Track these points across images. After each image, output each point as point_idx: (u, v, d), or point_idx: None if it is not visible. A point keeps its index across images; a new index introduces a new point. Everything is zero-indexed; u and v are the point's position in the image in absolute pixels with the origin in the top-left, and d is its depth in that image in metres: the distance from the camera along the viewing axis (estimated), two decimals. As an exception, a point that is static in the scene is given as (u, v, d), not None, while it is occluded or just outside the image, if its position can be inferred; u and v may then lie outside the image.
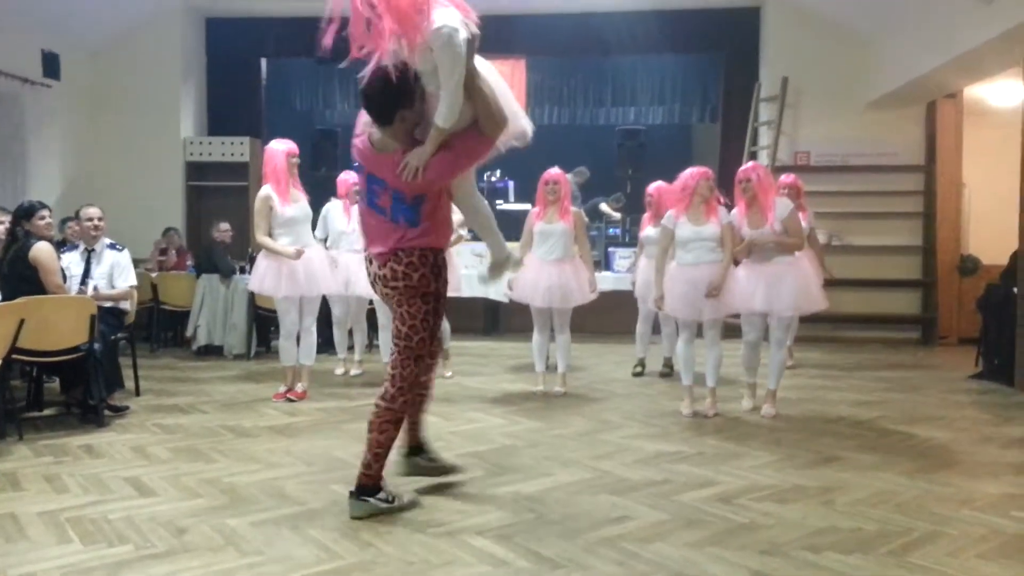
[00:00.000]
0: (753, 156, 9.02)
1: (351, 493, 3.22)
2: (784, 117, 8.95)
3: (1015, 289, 6.14)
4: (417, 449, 3.59)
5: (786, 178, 6.04)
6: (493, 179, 10.07)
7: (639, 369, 6.43)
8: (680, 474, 3.78)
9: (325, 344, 6.57)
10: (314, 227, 5.59)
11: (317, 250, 5.38)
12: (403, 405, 3.20)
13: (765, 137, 9.14)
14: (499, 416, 4.94)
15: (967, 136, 8.78)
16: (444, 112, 2.94)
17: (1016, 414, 5.18)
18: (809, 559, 2.81)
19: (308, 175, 7.99)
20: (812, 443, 4.36)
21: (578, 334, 6.08)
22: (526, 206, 8.30)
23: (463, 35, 2.89)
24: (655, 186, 6.09)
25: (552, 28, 9.34)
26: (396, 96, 3.00)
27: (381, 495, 3.22)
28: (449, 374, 6.16)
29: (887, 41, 8.28)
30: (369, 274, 3.27)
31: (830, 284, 5.79)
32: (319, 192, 7.47)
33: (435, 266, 3.18)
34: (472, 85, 2.99)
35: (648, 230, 6.11)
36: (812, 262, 5.13)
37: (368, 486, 3.20)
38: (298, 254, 5.09)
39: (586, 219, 8.83)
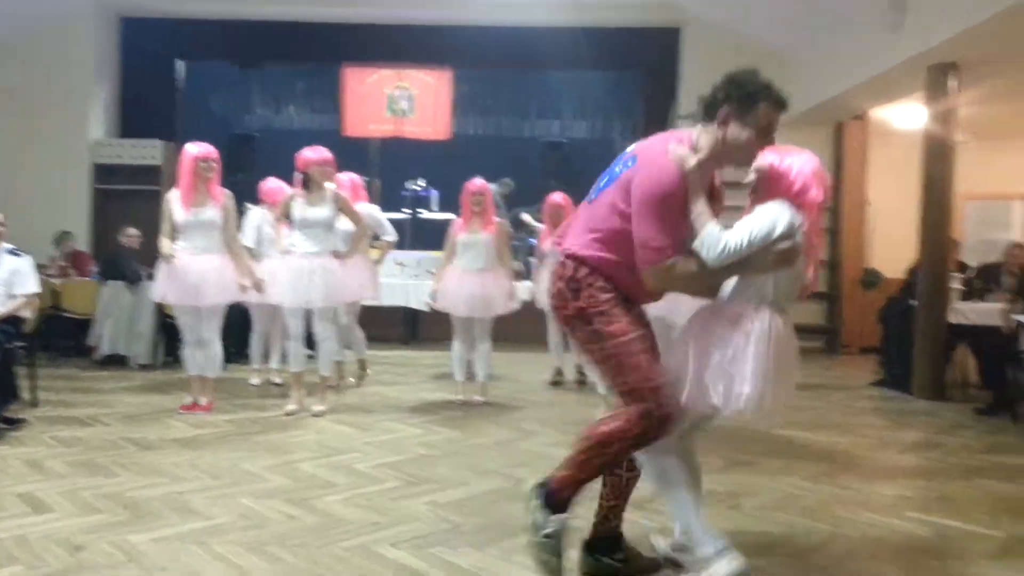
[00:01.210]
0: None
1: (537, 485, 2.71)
2: (701, 134, 9.23)
3: (913, 302, 6.47)
4: (605, 544, 2.79)
5: None
6: (416, 188, 10.03)
7: (557, 378, 6.49)
8: (597, 481, 3.81)
9: (238, 354, 6.41)
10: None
11: (212, 260, 4.98)
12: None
13: (683, 153, 9.39)
14: (417, 426, 4.91)
15: (872, 156, 9.22)
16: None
17: (912, 420, 5.45)
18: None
19: (224, 180, 7.79)
20: (723, 449, 4.47)
21: (499, 343, 6.11)
22: (450, 215, 8.32)
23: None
24: (554, 198, 6.25)
25: (480, 40, 9.41)
26: None
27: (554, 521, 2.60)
28: (351, 380, 6.14)
29: (802, 63, 8.64)
30: None
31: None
32: (235, 197, 7.28)
33: None
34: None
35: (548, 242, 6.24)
36: None
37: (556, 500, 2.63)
38: (168, 258, 4.90)
39: (509, 230, 8.93)
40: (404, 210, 9.91)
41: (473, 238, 5.50)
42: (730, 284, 2.48)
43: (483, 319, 5.53)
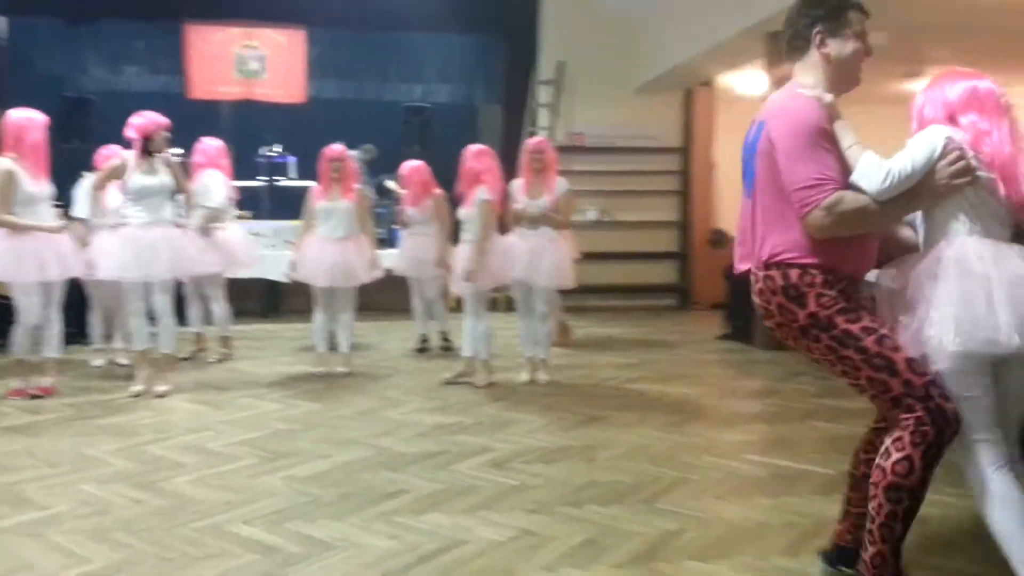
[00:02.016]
0: (532, 136, 9.35)
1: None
2: (561, 100, 9.37)
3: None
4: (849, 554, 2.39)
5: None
6: (272, 155, 9.64)
7: (422, 345, 6.49)
8: (457, 444, 3.87)
9: (79, 333, 6.00)
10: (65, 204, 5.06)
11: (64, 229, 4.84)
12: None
13: (544, 118, 9.50)
14: (275, 401, 4.78)
15: (719, 121, 9.65)
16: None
17: (755, 368, 5.84)
18: (572, 513, 2.99)
19: (56, 147, 7.20)
20: (579, 406, 4.64)
21: (365, 312, 6.03)
22: (308, 183, 8.05)
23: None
24: (410, 166, 6.21)
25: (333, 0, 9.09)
26: None
27: None
28: (210, 359, 5.94)
29: (653, 30, 8.89)
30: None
31: (596, 257, 6.17)
32: (69, 167, 6.75)
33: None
34: None
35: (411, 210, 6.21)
36: (570, 241, 5.43)
37: None
38: (60, 228, 4.70)
39: (373, 197, 8.76)
40: (259, 178, 9.50)
41: (333, 206, 5.37)
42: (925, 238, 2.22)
43: (345, 288, 5.43)
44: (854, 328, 2.11)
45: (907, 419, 2.08)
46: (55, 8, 9.11)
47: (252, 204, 9.03)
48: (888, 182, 2.06)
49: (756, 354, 6.43)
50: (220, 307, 6.00)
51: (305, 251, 5.40)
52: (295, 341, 6.77)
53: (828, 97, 2.14)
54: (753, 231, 2.23)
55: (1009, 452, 2.11)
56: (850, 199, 2.07)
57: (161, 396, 4.79)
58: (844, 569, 2.39)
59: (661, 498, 3.16)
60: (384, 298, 7.55)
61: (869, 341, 2.09)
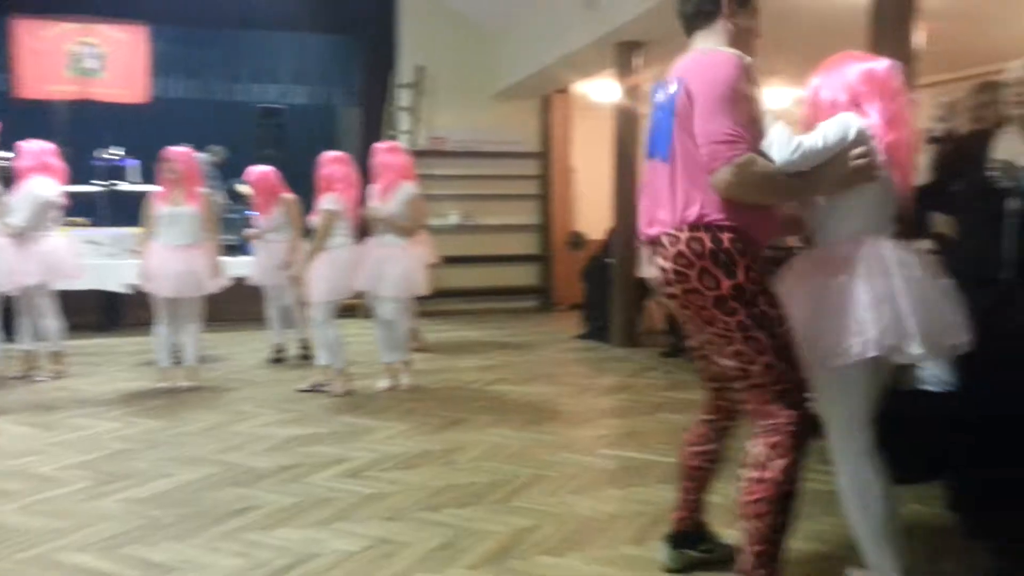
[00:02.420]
0: (393, 140, 9.27)
1: None
2: (421, 103, 9.33)
3: (610, 260, 7.11)
4: (690, 536, 2.52)
5: None
6: (111, 158, 9.04)
7: (276, 355, 6.28)
8: (312, 456, 3.76)
9: None
10: None
11: None
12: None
13: (404, 122, 9.44)
14: (113, 419, 4.47)
15: (575, 127, 9.92)
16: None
17: (610, 367, 6.03)
18: (429, 517, 2.97)
19: None
20: (439, 410, 4.63)
21: (215, 323, 5.76)
22: (152, 187, 7.60)
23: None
24: (257, 172, 6.04)
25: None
26: None
27: None
28: (40, 378, 5.50)
29: (509, 37, 9.02)
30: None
31: (458, 261, 6.17)
32: None
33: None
34: None
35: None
36: (425, 246, 5.41)
37: None
38: None
39: (223, 202, 8.40)
40: (96, 182, 8.89)
41: (176, 211, 5.09)
42: (824, 228, 2.21)
43: (191, 299, 5.15)
44: (772, 312, 2.04)
45: (782, 419, 2.03)
46: None
47: (89, 210, 8.44)
48: (797, 154, 2.05)
49: (611, 352, 6.64)
50: (49, 321, 5.54)
51: (148, 260, 5.10)
52: (136, 356, 6.37)
53: (748, 58, 2.08)
54: (673, 193, 2.10)
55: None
56: (761, 163, 2.03)
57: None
58: (687, 552, 2.50)
59: (517, 496, 3.19)
60: (237, 307, 7.26)
61: (782, 329, 2.05)
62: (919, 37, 4.04)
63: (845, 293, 2.07)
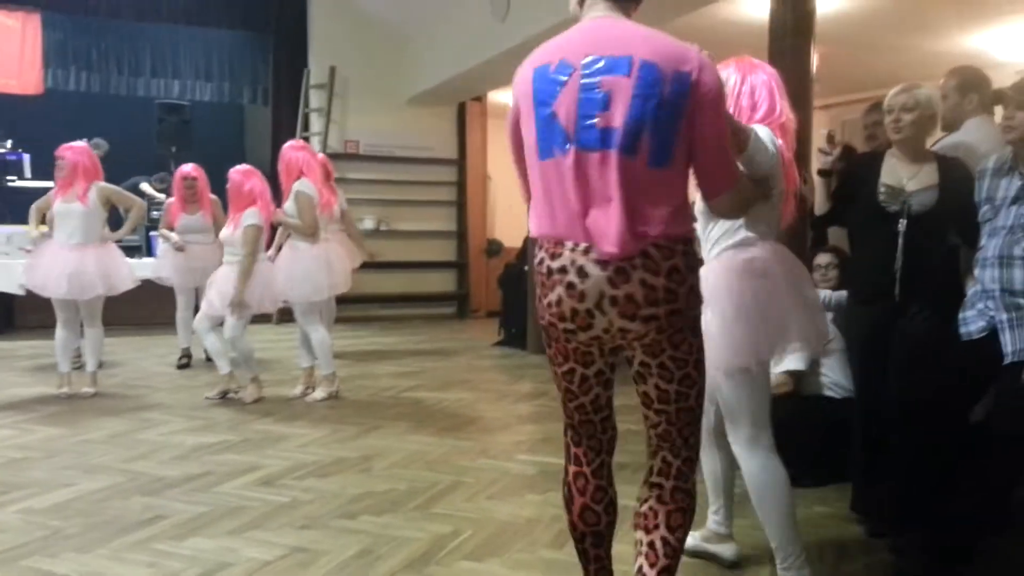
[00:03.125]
0: (306, 141, 9.11)
1: None
2: (333, 105, 9.21)
3: (526, 267, 7.20)
4: None
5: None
6: (3, 151, 8.54)
7: (184, 360, 6.07)
8: (223, 464, 3.66)
9: None
10: None
11: None
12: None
13: (316, 124, 9.29)
14: (8, 427, 4.24)
15: (492, 134, 10.00)
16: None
17: (527, 372, 6.10)
18: (346, 525, 2.94)
19: None
20: (356, 417, 4.58)
21: (117, 327, 5.52)
22: (46, 183, 7.24)
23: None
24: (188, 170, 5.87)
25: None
26: None
27: None
28: None
29: (423, 44, 9.01)
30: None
31: (374, 266, 6.11)
32: None
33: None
34: None
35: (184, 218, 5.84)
36: (343, 245, 5.31)
37: None
38: None
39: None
40: (-15, 177, 8.40)
41: (68, 208, 4.86)
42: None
43: (90, 301, 4.92)
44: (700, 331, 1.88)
45: (691, 482, 1.92)
46: None
47: (-23, 206, 7.97)
48: (772, 159, 2.11)
49: (528, 358, 6.71)
50: None
51: (39, 259, 4.85)
52: (33, 360, 6.04)
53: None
54: (662, 193, 1.73)
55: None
56: (745, 181, 1.93)
57: None
58: None
59: (436, 503, 3.20)
60: (139, 311, 6.99)
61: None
62: (816, 59, 4.29)
63: (763, 298, 2.21)
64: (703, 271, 2.18)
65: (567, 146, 1.72)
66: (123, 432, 4.18)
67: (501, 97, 9.70)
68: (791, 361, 3.40)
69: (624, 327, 1.74)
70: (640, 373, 1.85)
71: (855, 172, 2.95)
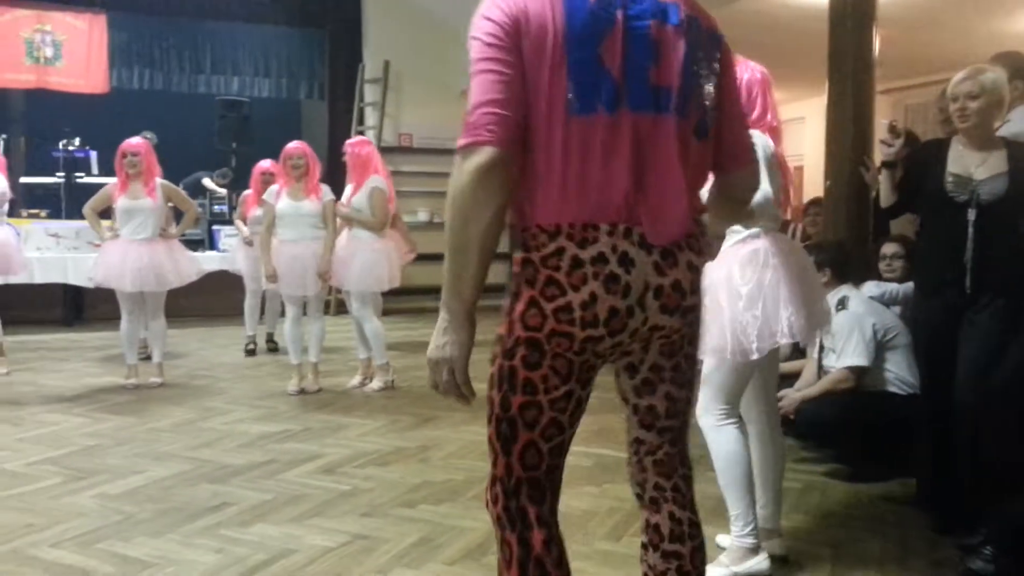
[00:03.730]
0: (361, 135, 9.24)
1: None
2: (388, 99, 9.31)
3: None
4: None
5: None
6: (71, 148, 8.86)
7: (251, 347, 6.26)
8: (285, 452, 3.76)
9: None
10: None
11: None
12: None
13: (371, 118, 9.40)
14: (81, 415, 4.41)
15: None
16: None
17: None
18: (406, 514, 2.99)
19: None
20: (413, 407, 4.64)
21: (180, 318, 5.70)
22: (112, 179, 7.48)
23: None
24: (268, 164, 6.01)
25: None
26: None
27: None
28: (4, 371, 5.37)
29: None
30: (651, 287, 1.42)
31: (427, 258, 6.14)
32: None
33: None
34: None
35: (256, 208, 5.97)
36: (393, 240, 5.37)
37: None
38: None
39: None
40: (57, 174, 8.72)
41: (135, 204, 5.00)
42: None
43: (155, 293, 5.08)
44: None
45: (691, 489, 1.62)
46: None
47: (49, 202, 8.28)
48: (767, 200, 2.19)
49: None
50: None
51: (107, 254, 5.02)
52: (103, 351, 6.27)
53: None
54: (702, 166, 1.52)
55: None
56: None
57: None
58: None
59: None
60: (203, 302, 7.19)
61: None
62: (878, 42, 4.16)
63: (777, 287, 2.28)
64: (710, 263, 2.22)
65: (616, 105, 1.37)
66: (189, 421, 4.32)
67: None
68: (852, 356, 3.34)
69: (658, 324, 1.43)
70: (648, 382, 1.52)
71: (920, 161, 2.88)
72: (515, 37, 1.36)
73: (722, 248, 2.35)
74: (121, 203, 5.00)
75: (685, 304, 1.45)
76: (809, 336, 2.52)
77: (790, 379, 3.63)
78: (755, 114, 2.30)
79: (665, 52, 1.40)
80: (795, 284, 2.29)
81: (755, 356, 2.28)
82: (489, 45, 1.37)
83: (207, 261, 6.57)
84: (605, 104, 1.36)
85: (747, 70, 2.33)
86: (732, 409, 2.41)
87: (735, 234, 2.36)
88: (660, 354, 1.50)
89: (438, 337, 1.45)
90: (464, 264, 1.40)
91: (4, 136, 8.19)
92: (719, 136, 1.52)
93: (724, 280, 2.30)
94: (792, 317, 2.27)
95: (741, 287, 2.28)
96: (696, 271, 1.47)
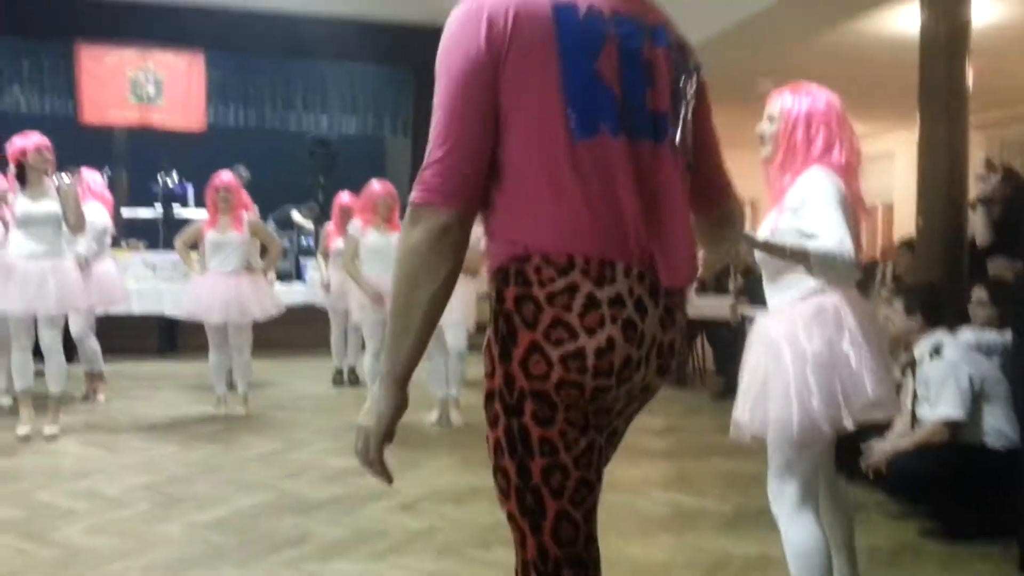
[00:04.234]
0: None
1: None
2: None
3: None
4: None
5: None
6: (169, 183, 9.33)
7: (338, 378, 6.47)
8: (365, 487, 3.80)
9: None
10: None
11: None
12: None
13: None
14: (172, 443, 4.59)
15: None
16: None
17: (658, 407, 5.69)
18: (481, 556, 2.99)
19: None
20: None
21: (266, 349, 5.88)
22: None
23: None
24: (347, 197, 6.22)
25: (234, 23, 8.93)
26: None
27: None
28: (103, 398, 5.62)
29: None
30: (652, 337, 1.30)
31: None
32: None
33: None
34: None
35: (338, 240, 6.15)
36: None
37: None
38: None
39: (270, 228, 8.59)
40: (156, 206, 9.19)
41: (223, 237, 5.19)
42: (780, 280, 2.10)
43: (240, 325, 5.24)
44: None
45: None
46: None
47: (148, 234, 8.72)
48: (847, 261, 2.00)
49: (660, 391, 6.59)
50: (94, 343, 5.64)
51: (195, 286, 5.24)
52: (193, 379, 6.52)
53: None
54: (685, 215, 1.37)
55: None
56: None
57: (50, 438, 4.53)
58: None
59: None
60: (289, 334, 7.40)
61: None
62: (970, 75, 4.02)
63: (837, 352, 1.99)
64: (764, 321, 2.07)
65: (619, 129, 1.24)
66: (274, 451, 4.44)
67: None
68: (947, 408, 3.19)
69: (651, 384, 1.33)
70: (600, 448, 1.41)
71: (1020, 198, 2.76)
72: (492, 65, 1.21)
73: (777, 303, 2.12)
74: (210, 236, 5.21)
75: (670, 367, 1.36)
76: (888, 410, 2.19)
77: (880, 429, 3.49)
78: (817, 150, 2.06)
79: (659, 75, 1.29)
80: (874, 350, 2.02)
81: (826, 430, 2.01)
82: (457, 80, 1.24)
83: (294, 294, 6.80)
84: (608, 125, 1.23)
85: (807, 100, 2.10)
86: (808, 492, 2.08)
87: (791, 287, 2.07)
88: (627, 419, 1.41)
89: (367, 401, 1.30)
90: (405, 328, 1.24)
91: (108, 171, 8.68)
92: (698, 172, 1.41)
93: (787, 339, 2.01)
94: (874, 385, 1.98)
95: (808, 348, 1.98)
96: (682, 333, 1.36)
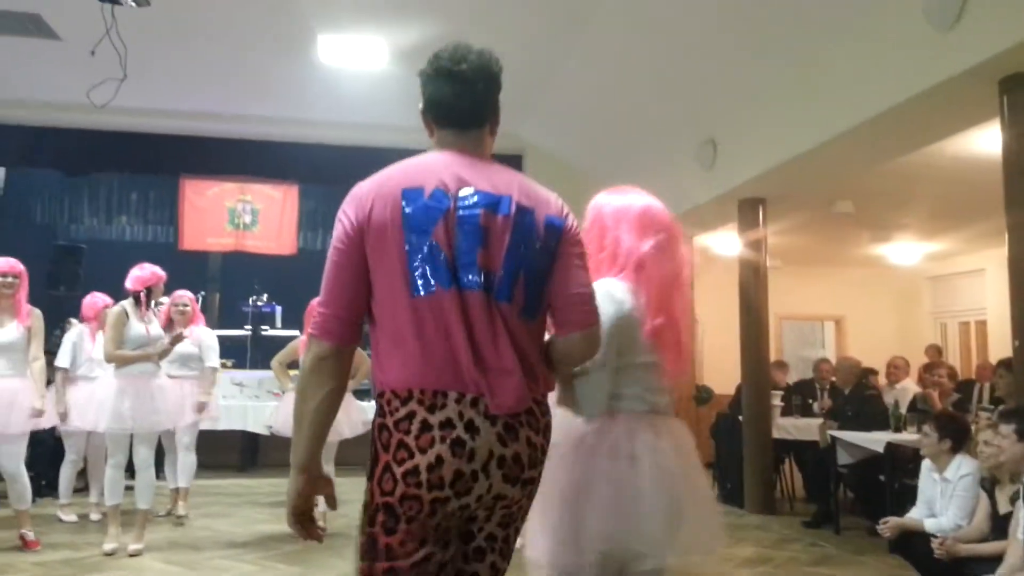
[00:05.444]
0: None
1: None
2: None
3: (740, 416, 6.88)
4: None
5: None
6: (260, 303, 9.72)
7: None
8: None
9: (48, 487, 5.81)
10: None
11: (11, 383, 4.56)
12: None
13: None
14: (252, 562, 4.57)
15: (698, 279, 9.82)
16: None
17: (745, 534, 5.69)
18: None
19: (44, 294, 7.26)
20: None
21: (348, 467, 5.86)
22: (294, 332, 8.07)
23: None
24: None
25: (324, 157, 9.46)
26: None
27: None
28: (185, 514, 5.66)
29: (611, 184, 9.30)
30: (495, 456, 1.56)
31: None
32: (57, 312, 6.79)
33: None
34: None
35: None
36: None
37: None
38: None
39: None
40: (246, 327, 9.54)
41: None
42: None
43: (330, 443, 5.29)
44: None
45: None
46: (55, 161, 9.39)
47: (237, 353, 9.02)
48: (594, 407, 1.96)
49: (747, 518, 6.29)
50: (192, 458, 5.76)
51: (287, 404, 5.34)
52: (272, 496, 6.55)
53: None
54: (532, 345, 1.63)
55: None
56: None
57: (134, 555, 4.57)
58: None
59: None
60: (364, 451, 7.41)
61: None
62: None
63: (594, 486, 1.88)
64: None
65: (450, 283, 1.54)
66: (349, 574, 4.36)
67: (707, 240, 9.70)
68: None
69: (502, 492, 1.56)
70: (480, 550, 1.62)
71: None
72: (359, 239, 1.58)
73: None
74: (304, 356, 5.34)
75: (524, 476, 1.58)
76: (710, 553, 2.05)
77: (992, 562, 3.22)
78: (602, 253, 2.04)
79: (493, 238, 1.59)
80: (642, 492, 1.88)
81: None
82: (336, 248, 1.61)
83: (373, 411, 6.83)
84: (442, 282, 1.54)
85: (599, 205, 2.18)
86: None
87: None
88: (498, 524, 1.61)
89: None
90: (299, 430, 1.60)
91: (203, 293, 9.11)
92: (552, 306, 1.67)
93: (562, 471, 1.88)
94: (595, 528, 1.83)
95: (555, 481, 1.83)
96: (535, 448, 1.59)
